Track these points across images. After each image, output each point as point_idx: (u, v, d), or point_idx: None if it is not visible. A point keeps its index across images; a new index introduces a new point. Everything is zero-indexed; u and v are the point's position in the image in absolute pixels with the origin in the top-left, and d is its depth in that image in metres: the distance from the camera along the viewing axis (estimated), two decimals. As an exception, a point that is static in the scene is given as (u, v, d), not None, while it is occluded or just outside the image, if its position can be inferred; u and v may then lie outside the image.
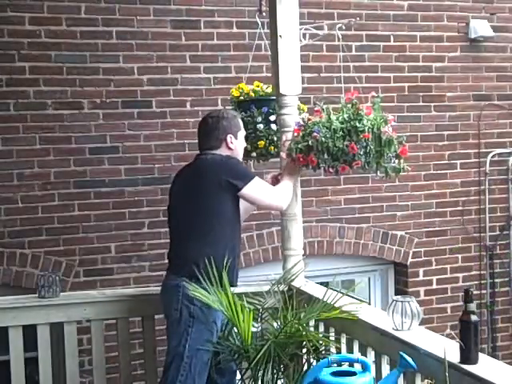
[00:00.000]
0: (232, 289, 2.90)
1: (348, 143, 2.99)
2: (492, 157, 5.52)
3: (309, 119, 3.17)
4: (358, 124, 2.99)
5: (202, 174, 3.20)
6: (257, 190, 3.19)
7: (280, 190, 3.28)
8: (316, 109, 3.17)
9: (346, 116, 3.04)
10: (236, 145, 3.31)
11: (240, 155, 3.36)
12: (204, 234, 3.14)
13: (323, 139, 3.00)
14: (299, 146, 3.10)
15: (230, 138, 3.28)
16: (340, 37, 3.68)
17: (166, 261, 4.65)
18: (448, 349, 2.21)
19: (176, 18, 4.73)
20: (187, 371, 3.07)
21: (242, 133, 3.38)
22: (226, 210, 3.16)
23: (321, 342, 2.90)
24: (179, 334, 3.11)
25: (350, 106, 3.10)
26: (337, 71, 4.90)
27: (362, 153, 3.00)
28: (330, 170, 3.08)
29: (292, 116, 3.44)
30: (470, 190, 5.51)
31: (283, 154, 3.26)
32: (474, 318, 2.22)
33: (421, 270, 5.38)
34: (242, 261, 4.28)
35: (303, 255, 3.58)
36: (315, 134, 3.02)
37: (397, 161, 3.13)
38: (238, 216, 3.26)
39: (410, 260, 5.35)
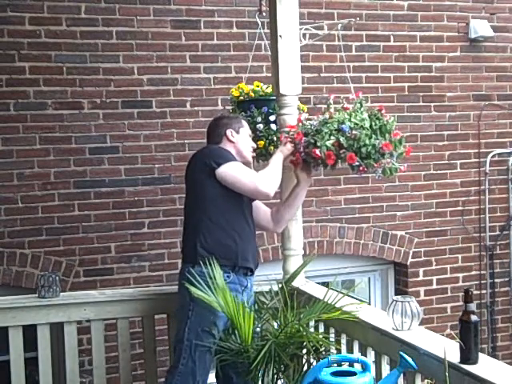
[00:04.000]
0: None
1: (379, 141, 2.98)
2: (492, 157, 5.52)
3: (330, 117, 3.10)
4: (385, 123, 3.00)
5: (191, 165, 3.28)
6: (234, 170, 3.15)
7: (264, 172, 3.20)
8: (345, 106, 3.11)
9: (366, 115, 3.03)
10: (238, 139, 3.33)
11: (244, 151, 3.35)
12: (199, 221, 3.17)
13: (363, 136, 2.97)
14: (327, 143, 3.00)
15: (230, 132, 3.32)
16: (340, 37, 3.68)
17: (166, 261, 4.72)
18: (448, 349, 2.21)
19: (176, 18, 4.73)
20: (188, 354, 3.10)
21: (246, 131, 3.39)
22: (216, 196, 3.16)
23: (321, 342, 2.89)
24: (182, 318, 3.16)
25: (358, 105, 3.09)
26: (337, 71, 4.92)
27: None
28: (365, 168, 3.01)
29: (292, 116, 3.44)
30: (470, 190, 5.51)
31: (318, 151, 3.04)
32: (474, 317, 2.22)
33: (421, 270, 5.38)
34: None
35: (303, 255, 3.58)
36: (354, 132, 2.97)
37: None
38: (236, 201, 3.21)
39: (410, 260, 5.35)
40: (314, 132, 3.07)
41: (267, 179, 3.18)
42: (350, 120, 3.00)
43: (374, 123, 3.00)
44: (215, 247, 3.10)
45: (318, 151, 3.02)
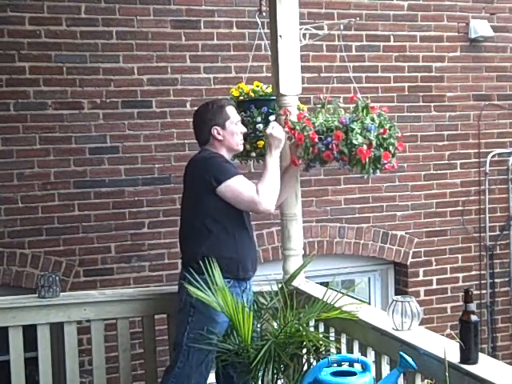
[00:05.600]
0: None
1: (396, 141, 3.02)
2: (492, 157, 5.52)
3: (357, 116, 3.09)
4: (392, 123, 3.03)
5: (189, 175, 3.26)
6: (234, 187, 3.12)
7: (263, 187, 3.15)
8: (372, 105, 3.11)
9: (375, 116, 3.05)
10: (225, 135, 3.28)
11: (234, 145, 3.31)
12: (200, 234, 3.17)
13: (394, 135, 2.99)
14: (360, 141, 2.97)
15: (215, 130, 3.27)
16: (341, 36, 3.68)
17: (166, 261, 4.71)
18: (448, 349, 2.21)
19: (176, 18, 4.73)
20: (185, 358, 3.12)
21: (233, 120, 3.31)
22: (216, 210, 3.15)
23: (321, 342, 2.89)
24: (181, 323, 3.17)
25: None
26: (337, 71, 4.91)
27: None
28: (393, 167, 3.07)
29: (292, 116, 3.43)
30: (470, 190, 5.51)
31: (364, 151, 2.98)
32: (474, 318, 2.22)
33: (421, 270, 5.38)
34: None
35: (303, 255, 3.58)
36: (388, 131, 2.98)
37: None
38: (236, 211, 3.21)
39: (410, 260, 5.35)
40: (344, 129, 3.03)
41: (266, 195, 3.14)
42: (366, 120, 3.00)
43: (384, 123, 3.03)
44: (217, 261, 3.04)
45: (364, 150, 2.96)
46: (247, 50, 4.58)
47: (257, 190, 3.14)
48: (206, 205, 3.16)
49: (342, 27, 3.77)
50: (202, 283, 2.94)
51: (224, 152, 3.30)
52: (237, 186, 3.14)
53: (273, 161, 3.24)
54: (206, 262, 2.97)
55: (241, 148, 3.40)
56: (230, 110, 3.35)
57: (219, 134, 3.27)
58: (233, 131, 3.31)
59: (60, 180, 4.52)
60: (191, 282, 2.97)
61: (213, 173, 3.14)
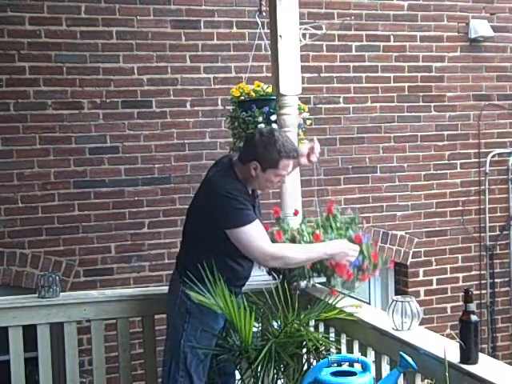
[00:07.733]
0: None
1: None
2: (492, 157, 5.52)
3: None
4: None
5: (204, 197, 3.07)
6: (242, 237, 2.96)
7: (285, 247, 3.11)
8: (357, 235, 3.32)
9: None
10: (259, 175, 3.03)
11: (259, 187, 3.14)
12: (197, 241, 3.10)
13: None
14: None
15: (254, 165, 3.01)
16: (339, 35, 3.68)
17: (166, 261, 4.71)
18: (448, 349, 2.21)
19: (176, 18, 4.73)
20: (184, 365, 3.08)
21: (278, 172, 3.05)
22: (224, 242, 3.04)
23: (321, 342, 2.89)
24: (176, 328, 3.12)
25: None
26: (337, 71, 4.92)
27: None
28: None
29: (292, 116, 3.44)
30: (470, 190, 5.51)
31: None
32: (474, 318, 2.22)
33: (421, 270, 5.38)
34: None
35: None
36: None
37: None
38: None
39: (410, 260, 5.35)
40: None
41: (280, 255, 3.03)
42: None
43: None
44: (217, 268, 2.95)
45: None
46: (247, 50, 4.58)
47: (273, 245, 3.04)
48: (212, 237, 3.02)
49: (341, 26, 3.78)
50: (201, 287, 2.90)
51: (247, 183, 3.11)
52: (246, 236, 2.97)
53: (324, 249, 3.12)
54: (205, 265, 2.92)
55: (261, 191, 3.26)
56: (284, 164, 3.03)
57: (255, 170, 3.02)
58: (268, 179, 3.07)
59: (60, 180, 4.52)
60: (191, 288, 2.94)
61: (224, 217, 2.96)
